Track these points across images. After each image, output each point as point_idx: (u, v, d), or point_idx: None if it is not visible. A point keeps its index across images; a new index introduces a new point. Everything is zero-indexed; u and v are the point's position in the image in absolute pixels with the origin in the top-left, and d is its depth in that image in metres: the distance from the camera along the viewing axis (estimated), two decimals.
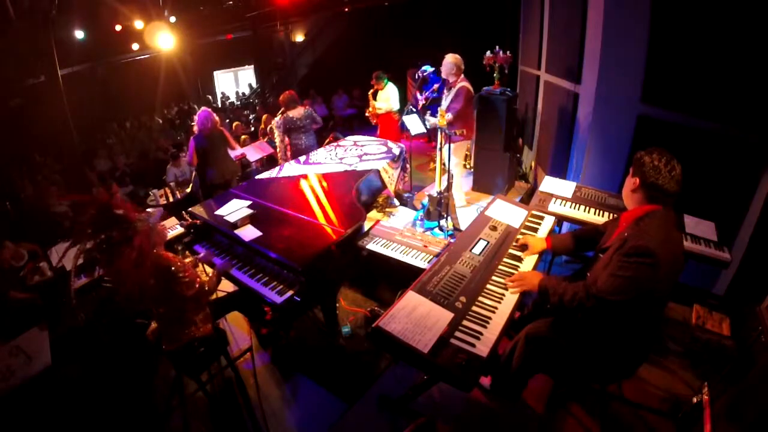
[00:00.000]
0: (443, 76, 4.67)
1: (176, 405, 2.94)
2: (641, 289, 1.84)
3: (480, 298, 2.21)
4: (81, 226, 2.24)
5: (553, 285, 2.15)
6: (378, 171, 4.21)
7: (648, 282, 1.83)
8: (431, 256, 3.05)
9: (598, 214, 3.11)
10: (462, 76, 4.62)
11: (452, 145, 4.60)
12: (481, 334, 1.98)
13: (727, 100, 3.07)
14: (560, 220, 3.21)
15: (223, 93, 13.77)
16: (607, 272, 1.93)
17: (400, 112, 6.92)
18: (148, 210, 3.42)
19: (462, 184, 5.23)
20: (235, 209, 3.42)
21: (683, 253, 2.00)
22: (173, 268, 2.41)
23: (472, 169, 5.78)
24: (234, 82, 14.63)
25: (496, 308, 2.16)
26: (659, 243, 1.82)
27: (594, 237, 2.41)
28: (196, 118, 5.15)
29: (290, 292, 2.73)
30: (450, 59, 4.60)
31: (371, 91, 6.77)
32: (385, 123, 6.83)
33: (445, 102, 4.72)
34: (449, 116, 4.43)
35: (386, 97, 6.71)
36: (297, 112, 5.46)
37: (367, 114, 7.01)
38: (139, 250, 2.27)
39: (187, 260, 2.75)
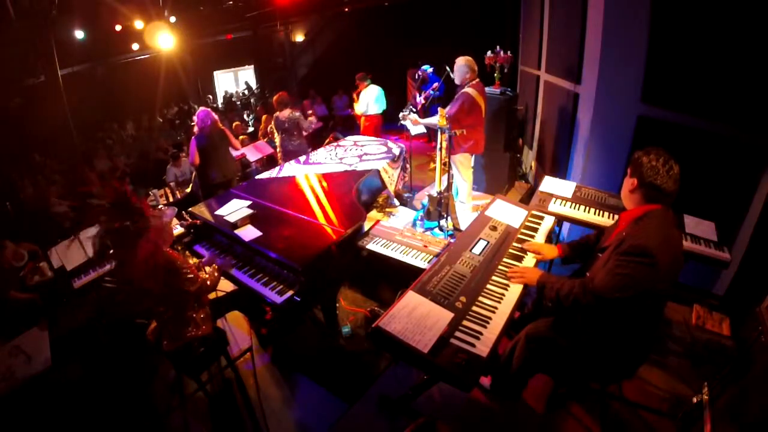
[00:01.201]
0: (457, 82, 4.43)
1: (176, 405, 2.94)
2: (639, 287, 1.84)
3: (480, 298, 2.21)
4: (99, 209, 2.27)
5: (552, 280, 2.16)
6: (378, 171, 4.21)
7: (646, 281, 1.83)
8: (431, 256, 3.05)
9: (598, 214, 3.11)
10: (475, 81, 4.33)
11: (456, 156, 4.56)
12: (481, 334, 1.98)
13: (727, 100, 3.07)
14: (560, 220, 3.21)
15: (226, 91, 13.76)
16: (605, 270, 1.94)
17: (386, 114, 6.94)
18: (161, 207, 3.44)
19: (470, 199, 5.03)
20: (235, 209, 3.42)
21: (683, 252, 2.00)
22: (177, 264, 2.43)
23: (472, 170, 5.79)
24: (234, 82, 14.62)
25: (496, 308, 2.16)
26: (658, 243, 1.82)
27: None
28: (195, 118, 5.16)
29: (290, 292, 2.74)
30: (460, 62, 4.36)
31: (356, 92, 6.80)
32: (365, 124, 6.91)
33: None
34: (431, 120, 4.28)
35: (360, 99, 6.78)
36: (283, 114, 5.51)
37: (353, 113, 7.10)
38: (153, 244, 2.30)
39: (191, 261, 2.76)
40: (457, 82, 4.45)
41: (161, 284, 2.38)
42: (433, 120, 4.26)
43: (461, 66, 4.35)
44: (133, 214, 2.33)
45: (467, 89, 4.30)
